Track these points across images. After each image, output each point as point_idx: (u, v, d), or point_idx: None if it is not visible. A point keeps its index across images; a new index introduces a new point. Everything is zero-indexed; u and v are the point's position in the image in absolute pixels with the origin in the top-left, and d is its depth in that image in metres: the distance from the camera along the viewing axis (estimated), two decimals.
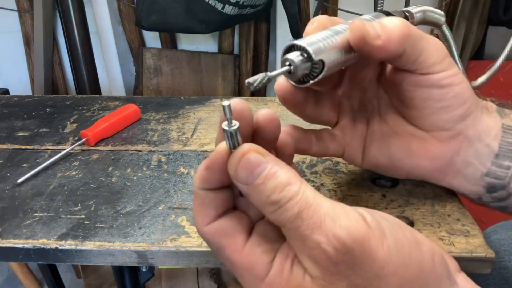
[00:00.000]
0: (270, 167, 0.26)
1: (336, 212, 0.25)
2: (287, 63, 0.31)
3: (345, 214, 0.25)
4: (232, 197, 0.30)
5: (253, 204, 0.27)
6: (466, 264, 0.39)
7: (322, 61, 0.31)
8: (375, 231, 0.25)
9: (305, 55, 0.31)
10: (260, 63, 1.54)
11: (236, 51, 1.55)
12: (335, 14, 1.48)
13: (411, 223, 0.42)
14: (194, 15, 1.19)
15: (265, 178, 0.26)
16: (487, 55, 1.54)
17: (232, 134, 0.26)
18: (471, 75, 0.52)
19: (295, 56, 0.31)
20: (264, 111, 0.29)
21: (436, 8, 0.46)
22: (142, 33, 1.55)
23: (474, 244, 0.39)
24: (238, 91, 1.55)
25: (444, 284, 0.27)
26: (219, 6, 1.17)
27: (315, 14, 1.22)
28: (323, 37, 0.32)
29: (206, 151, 0.57)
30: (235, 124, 0.26)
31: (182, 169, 0.53)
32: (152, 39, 1.56)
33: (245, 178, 0.26)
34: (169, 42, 1.54)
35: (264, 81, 0.27)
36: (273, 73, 0.28)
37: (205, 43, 1.55)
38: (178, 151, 0.57)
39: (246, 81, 0.27)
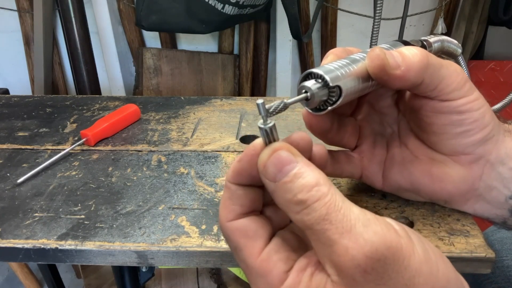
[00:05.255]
0: (300, 166, 0.25)
1: (367, 218, 0.24)
2: (304, 90, 0.31)
3: (377, 221, 0.24)
4: (260, 200, 0.30)
5: (278, 204, 0.26)
6: (466, 264, 0.39)
7: (339, 87, 0.31)
8: (406, 240, 0.24)
9: (322, 82, 0.31)
10: (260, 63, 1.54)
11: (236, 51, 1.55)
12: (335, 14, 1.48)
13: (411, 223, 0.42)
14: (194, 15, 1.19)
15: (294, 177, 0.25)
16: (487, 55, 1.54)
17: (268, 131, 0.27)
18: (471, 74, 0.52)
19: (311, 83, 0.31)
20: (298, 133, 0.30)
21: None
22: (142, 33, 1.55)
23: (474, 244, 0.39)
24: (238, 91, 1.55)
25: None
26: (219, 6, 1.17)
27: (315, 14, 1.21)
28: (340, 65, 0.32)
29: (206, 151, 0.57)
30: (270, 121, 0.26)
31: (182, 169, 0.53)
32: (152, 39, 1.56)
33: (274, 174, 0.26)
34: (169, 42, 1.54)
35: (280, 107, 0.27)
36: (290, 100, 0.29)
37: (205, 43, 1.55)
38: (178, 151, 0.57)
39: (266, 106, 0.27)
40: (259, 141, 0.27)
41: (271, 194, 0.27)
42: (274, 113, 0.27)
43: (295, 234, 0.30)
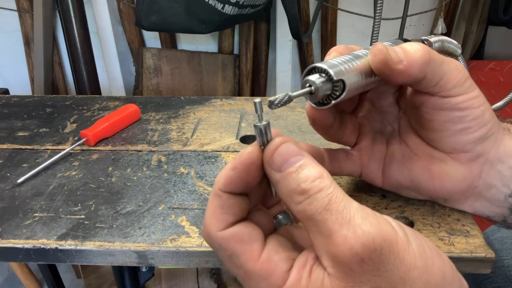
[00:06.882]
0: (305, 159, 0.26)
1: (365, 212, 0.25)
2: (308, 84, 0.31)
3: (375, 215, 0.25)
4: (247, 208, 0.30)
5: (281, 194, 0.27)
6: (466, 264, 0.39)
7: (342, 82, 0.32)
8: (401, 235, 0.25)
9: (326, 76, 0.31)
10: (260, 63, 1.54)
11: (236, 51, 1.55)
12: (335, 14, 1.48)
13: (411, 223, 0.42)
14: (194, 15, 1.19)
15: (299, 167, 0.26)
16: (487, 55, 1.54)
17: (263, 129, 0.27)
18: (471, 74, 0.52)
19: (316, 77, 0.31)
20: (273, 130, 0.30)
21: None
22: (142, 33, 1.55)
23: (474, 244, 0.39)
24: (238, 91, 1.55)
25: None
26: (219, 6, 1.17)
27: (315, 14, 1.21)
28: (343, 60, 0.33)
29: (206, 151, 0.57)
30: (266, 120, 0.27)
31: (182, 169, 0.53)
32: (152, 39, 1.56)
33: (280, 164, 0.26)
34: (169, 42, 1.53)
35: (285, 99, 0.28)
36: (295, 93, 0.29)
37: (205, 43, 1.55)
38: (178, 151, 0.57)
39: (268, 99, 0.28)
40: (252, 148, 0.28)
41: (274, 185, 0.27)
42: (279, 105, 0.28)
43: (286, 236, 0.30)
